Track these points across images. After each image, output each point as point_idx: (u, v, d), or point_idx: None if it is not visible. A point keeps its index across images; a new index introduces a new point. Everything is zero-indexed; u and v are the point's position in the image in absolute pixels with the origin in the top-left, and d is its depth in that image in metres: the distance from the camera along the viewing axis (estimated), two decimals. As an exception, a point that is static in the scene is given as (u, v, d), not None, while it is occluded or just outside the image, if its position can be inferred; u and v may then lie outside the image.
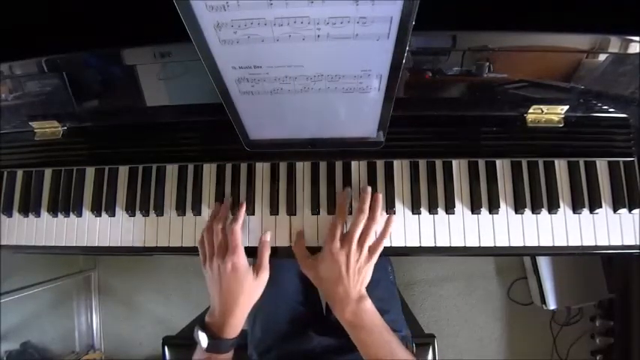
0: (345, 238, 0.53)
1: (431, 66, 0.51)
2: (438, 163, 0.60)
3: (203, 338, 0.52)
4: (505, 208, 0.59)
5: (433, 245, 0.58)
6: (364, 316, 0.51)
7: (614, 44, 0.47)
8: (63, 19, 0.55)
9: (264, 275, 0.56)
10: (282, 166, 0.62)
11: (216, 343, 0.51)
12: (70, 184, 0.66)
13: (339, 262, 0.52)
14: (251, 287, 0.54)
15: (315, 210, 0.60)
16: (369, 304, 0.52)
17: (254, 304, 0.56)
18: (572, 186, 0.59)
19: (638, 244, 0.57)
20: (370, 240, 0.53)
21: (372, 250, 0.54)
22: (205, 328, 0.53)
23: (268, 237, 0.58)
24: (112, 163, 0.65)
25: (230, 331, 0.52)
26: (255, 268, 0.55)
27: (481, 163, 0.60)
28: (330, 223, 0.56)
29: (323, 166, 0.62)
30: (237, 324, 0.53)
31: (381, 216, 0.56)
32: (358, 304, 0.51)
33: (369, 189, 0.57)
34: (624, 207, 0.58)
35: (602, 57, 0.49)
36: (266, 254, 0.56)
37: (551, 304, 1.25)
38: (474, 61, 0.50)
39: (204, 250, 0.55)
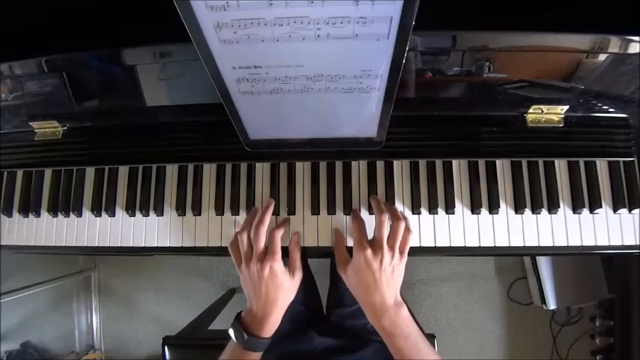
0: (375, 244, 0.52)
1: (431, 66, 0.51)
2: (438, 163, 0.60)
3: (242, 336, 0.52)
4: (505, 208, 0.59)
5: (433, 245, 0.58)
6: (402, 324, 0.51)
7: (614, 44, 0.47)
8: (63, 19, 0.55)
9: (299, 275, 0.56)
10: (282, 166, 0.62)
11: (255, 341, 0.52)
12: (70, 184, 0.66)
13: (373, 270, 0.51)
14: (288, 289, 0.55)
15: (315, 210, 0.60)
16: (405, 312, 0.52)
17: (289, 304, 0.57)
18: (572, 186, 0.59)
19: (638, 244, 0.57)
20: (399, 240, 0.53)
21: (401, 249, 0.53)
22: (242, 326, 0.53)
23: (297, 238, 0.59)
24: (112, 163, 0.65)
25: (268, 331, 0.53)
26: (290, 269, 0.56)
27: (481, 163, 0.60)
28: (353, 233, 0.55)
29: (323, 166, 0.62)
30: (275, 324, 0.54)
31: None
32: (396, 312, 0.51)
33: (376, 196, 0.59)
34: (624, 207, 0.58)
35: (602, 57, 0.49)
36: (297, 255, 0.57)
37: (551, 304, 1.25)
38: (474, 61, 0.50)
39: (240, 252, 0.55)
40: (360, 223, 0.55)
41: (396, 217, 0.54)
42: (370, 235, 0.55)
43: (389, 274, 0.51)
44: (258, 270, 0.53)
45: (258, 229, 0.54)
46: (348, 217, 0.60)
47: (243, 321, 0.54)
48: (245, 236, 0.55)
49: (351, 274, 0.54)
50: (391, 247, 0.52)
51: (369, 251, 0.51)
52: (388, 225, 0.54)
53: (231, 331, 0.54)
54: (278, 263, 0.53)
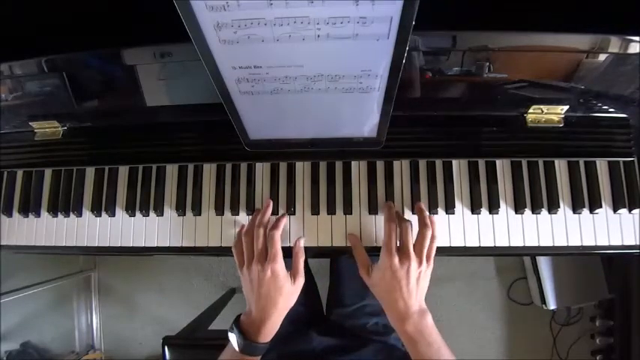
0: (402, 251, 0.52)
1: (431, 66, 0.51)
2: (438, 163, 0.60)
3: (239, 339, 0.52)
4: (505, 208, 0.59)
5: (433, 245, 0.58)
6: (425, 331, 0.50)
7: (614, 44, 0.47)
8: (63, 19, 0.55)
9: (301, 281, 0.56)
10: (282, 166, 0.62)
11: (252, 345, 0.52)
12: (70, 184, 0.66)
13: (399, 277, 0.51)
14: (289, 293, 0.54)
15: (315, 210, 0.60)
16: (429, 319, 0.52)
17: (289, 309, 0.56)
18: (572, 186, 0.59)
19: (638, 244, 0.57)
20: (426, 247, 0.53)
21: (428, 255, 0.53)
22: (240, 329, 0.53)
23: (302, 243, 0.58)
24: (112, 163, 0.65)
25: (266, 336, 0.53)
26: (292, 274, 0.55)
27: (481, 163, 0.60)
28: (384, 234, 0.54)
29: (323, 166, 0.62)
30: (273, 329, 0.54)
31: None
32: (420, 318, 0.51)
33: (422, 204, 0.57)
34: (624, 207, 0.58)
35: (602, 57, 0.49)
36: (301, 260, 0.56)
37: (551, 304, 1.25)
38: (474, 61, 0.50)
39: (242, 253, 0.55)
40: (391, 226, 0.54)
41: (423, 223, 0.54)
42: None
43: (414, 282, 0.51)
44: (260, 271, 0.52)
45: (258, 231, 0.55)
46: (348, 216, 0.60)
47: (242, 325, 0.54)
48: (248, 238, 0.55)
49: (376, 277, 0.54)
50: (418, 255, 0.52)
51: (396, 259, 0.51)
52: (412, 230, 0.53)
53: (230, 335, 0.53)
54: (279, 265, 0.53)
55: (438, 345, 0.50)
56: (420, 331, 0.50)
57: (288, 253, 0.57)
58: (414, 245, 0.52)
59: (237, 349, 0.52)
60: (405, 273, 0.51)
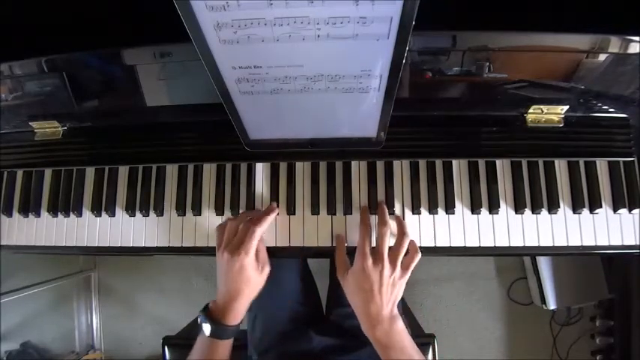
0: (377, 255, 0.52)
1: (431, 66, 0.51)
2: (438, 163, 0.60)
3: (206, 324, 0.53)
4: (505, 208, 0.59)
5: (433, 245, 0.58)
6: (396, 337, 0.50)
7: (614, 44, 0.47)
8: (63, 19, 0.55)
9: (267, 269, 0.57)
10: (282, 166, 0.62)
11: (219, 328, 0.53)
12: (70, 184, 0.66)
13: (372, 280, 0.51)
14: (255, 284, 0.55)
15: (315, 210, 0.60)
16: (400, 325, 0.51)
17: (255, 296, 0.57)
18: (572, 186, 0.59)
19: (638, 244, 0.57)
20: (402, 254, 0.53)
21: (405, 265, 0.53)
22: (208, 314, 0.54)
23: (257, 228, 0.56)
24: (112, 163, 0.65)
25: (232, 318, 0.54)
26: (259, 264, 0.55)
27: (481, 163, 0.60)
28: (358, 238, 0.55)
29: (323, 166, 0.62)
30: (239, 312, 0.55)
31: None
32: (390, 324, 0.51)
33: (383, 203, 0.58)
34: (624, 207, 0.58)
35: (602, 57, 0.49)
36: (264, 248, 0.57)
37: (551, 304, 1.25)
38: (474, 61, 0.50)
39: (221, 237, 0.55)
40: (365, 229, 0.55)
41: (401, 232, 0.54)
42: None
43: (388, 287, 0.51)
44: (228, 260, 0.53)
45: (242, 221, 0.54)
46: (348, 216, 0.60)
47: (211, 310, 0.55)
48: (234, 225, 0.54)
49: (350, 279, 0.54)
50: (393, 261, 0.52)
51: (370, 261, 0.51)
52: (389, 236, 0.54)
53: (200, 319, 0.54)
54: (250, 258, 0.53)
55: (409, 352, 0.50)
56: (391, 336, 0.50)
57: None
58: (389, 251, 0.52)
59: (207, 333, 0.53)
60: (378, 277, 0.51)
